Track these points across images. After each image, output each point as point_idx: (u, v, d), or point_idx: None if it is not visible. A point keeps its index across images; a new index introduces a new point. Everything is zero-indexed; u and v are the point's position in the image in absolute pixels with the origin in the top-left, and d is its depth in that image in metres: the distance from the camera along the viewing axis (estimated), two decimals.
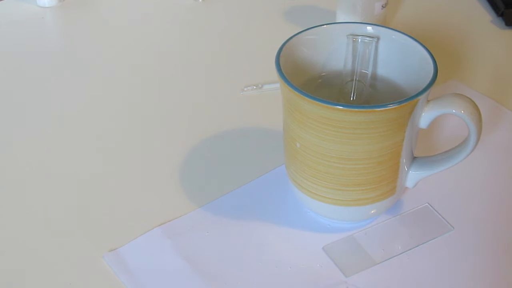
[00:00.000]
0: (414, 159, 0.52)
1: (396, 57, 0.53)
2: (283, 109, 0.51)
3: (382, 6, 0.74)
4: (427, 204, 0.56)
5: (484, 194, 0.57)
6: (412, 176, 0.53)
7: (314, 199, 0.52)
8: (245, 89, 0.68)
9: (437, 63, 0.49)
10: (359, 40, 0.54)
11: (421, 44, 0.51)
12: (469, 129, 0.48)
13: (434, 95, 0.49)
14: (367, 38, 0.54)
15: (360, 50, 0.54)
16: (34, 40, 0.78)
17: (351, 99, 0.56)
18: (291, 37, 0.52)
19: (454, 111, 0.48)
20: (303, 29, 0.53)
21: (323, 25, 0.54)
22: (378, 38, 0.54)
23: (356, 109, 0.46)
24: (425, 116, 0.49)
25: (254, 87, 0.68)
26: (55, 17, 0.82)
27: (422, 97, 0.47)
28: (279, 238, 0.53)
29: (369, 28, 0.54)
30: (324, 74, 0.55)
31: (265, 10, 0.83)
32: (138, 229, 0.54)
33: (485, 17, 0.81)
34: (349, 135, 0.47)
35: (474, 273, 0.50)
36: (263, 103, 0.67)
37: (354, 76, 0.55)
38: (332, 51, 0.55)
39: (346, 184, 0.50)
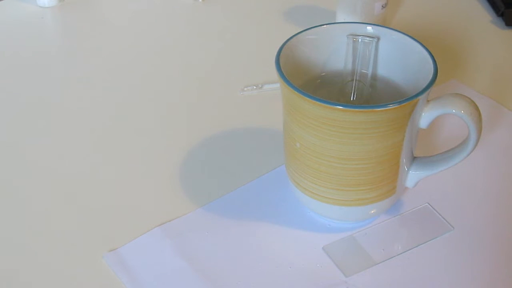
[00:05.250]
0: (414, 159, 0.52)
1: (396, 57, 0.53)
2: (283, 109, 0.51)
3: (382, 6, 0.74)
4: (427, 204, 0.56)
5: (484, 194, 0.57)
6: (412, 176, 0.53)
7: (314, 199, 0.52)
8: (245, 89, 0.68)
9: (437, 63, 0.49)
10: (359, 40, 0.54)
11: (421, 44, 0.51)
12: (469, 129, 0.48)
13: (434, 95, 0.49)
14: (367, 38, 0.54)
15: (360, 50, 0.54)
16: (34, 40, 0.78)
17: (351, 99, 0.56)
18: (291, 37, 0.52)
19: (454, 111, 0.48)
20: (303, 29, 0.53)
21: (323, 25, 0.54)
22: (378, 38, 0.54)
23: (356, 109, 0.46)
24: (425, 116, 0.49)
25: (254, 87, 0.68)
26: (55, 17, 0.82)
27: (422, 97, 0.47)
28: (279, 238, 0.53)
29: (369, 28, 0.54)
30: (324, 74, 0.55)
31: (265, 10, 0.83)
32: (138, 229, 0.54)
33: (485, 17, 0.81)
34: (349, 135, 0.47)
35: (474, 273, 0.50)
36: (263, 103, 0.67)
37: (354, 76, 0.55)
38: (332, 51, 0.55)
39: (346, 184, 0.50)
